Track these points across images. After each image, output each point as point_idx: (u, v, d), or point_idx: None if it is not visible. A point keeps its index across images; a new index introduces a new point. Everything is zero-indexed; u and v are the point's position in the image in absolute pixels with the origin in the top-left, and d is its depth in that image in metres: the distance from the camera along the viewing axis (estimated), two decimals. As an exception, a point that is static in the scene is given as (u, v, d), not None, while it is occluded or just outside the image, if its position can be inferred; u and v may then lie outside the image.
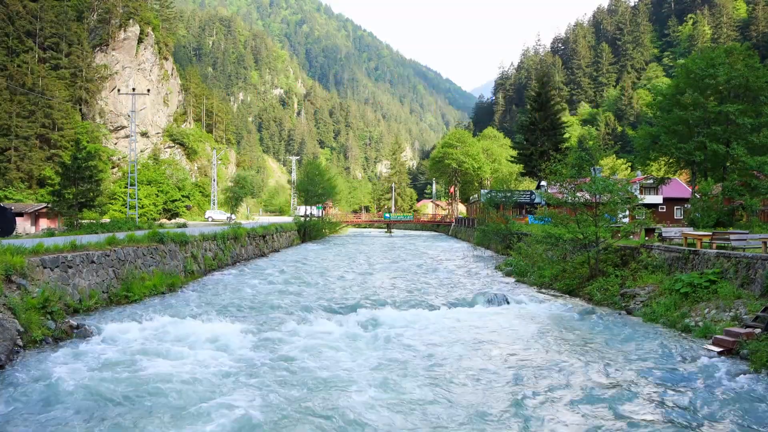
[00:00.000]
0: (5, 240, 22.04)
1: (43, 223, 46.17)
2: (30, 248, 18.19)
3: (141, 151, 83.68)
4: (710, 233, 21.11)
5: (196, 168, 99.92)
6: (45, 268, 17.42)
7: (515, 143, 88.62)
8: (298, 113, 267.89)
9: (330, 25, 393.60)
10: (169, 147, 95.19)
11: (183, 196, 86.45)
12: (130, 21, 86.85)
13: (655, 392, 11.60)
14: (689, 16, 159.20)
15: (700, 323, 16.15)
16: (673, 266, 20.84)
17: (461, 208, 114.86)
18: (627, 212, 29.79)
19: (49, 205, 43.65)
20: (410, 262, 42.26)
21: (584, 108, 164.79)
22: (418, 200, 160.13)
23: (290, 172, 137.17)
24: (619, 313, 19.78)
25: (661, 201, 57.56)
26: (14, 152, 62.43)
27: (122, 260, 22.44)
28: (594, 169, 26.98)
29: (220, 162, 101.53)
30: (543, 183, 60.73)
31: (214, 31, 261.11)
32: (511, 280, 30.41)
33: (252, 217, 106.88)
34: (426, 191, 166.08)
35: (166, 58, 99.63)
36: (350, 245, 63.93)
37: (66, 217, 39.78)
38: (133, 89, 62.56)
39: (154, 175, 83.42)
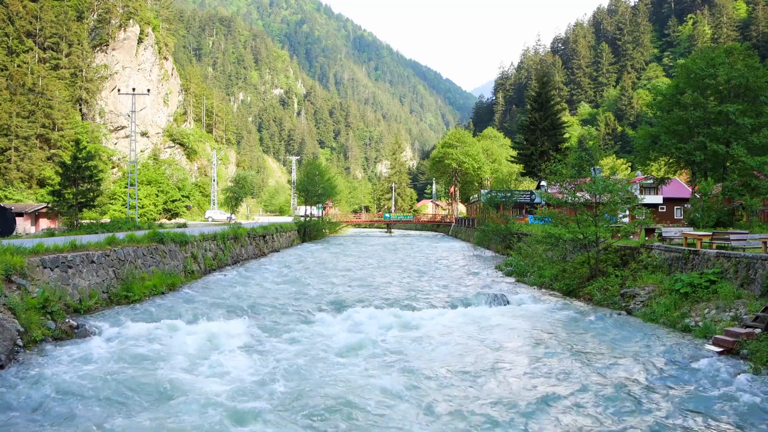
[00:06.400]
0: (5, 240, 22.02)
1: (43, 223, 46.19)
2: (30, 248, 18.17)
3: (141, 151, 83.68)
4: (710, 233, 21.08)
5: (196, 168, 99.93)
6: (45, 268, 17.40)
7: (515, 143, 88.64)
8: (298, 113, 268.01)
9: (330, 25, 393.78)
10: (169, 147, 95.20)
11: (183, 196, 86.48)
12: (130, 21, 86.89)
13: (654, 392, 11.61)
14: (689, 16, 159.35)
15: (700, 323, 16.15)
16: (673, 266, 20.82)
17: (461, 208, 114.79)
18: (627, 212, 29.77)
19: (49, 205, 43.65)
20: (410, 262, 42.25)
21: (584, 108, 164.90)
22: (418, 200, 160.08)
23: (290, 172, 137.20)
24: (619, 313, 19.78)
25: (661, 201, 57.54)
26: (14, 152, 62.49)
27: (122, 260, 22.43)
28: (594, 169, 26.97)
29: (220, 162, 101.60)
30: (543, 183, 60.74)
31: (214, 31, 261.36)
32: (511, 280, 30.39)
33: (252, 217, 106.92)
34: (426, 191, 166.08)
35: (166, 58, 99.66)
36: (350, 245, 63.90)
37: (66, 217, 39.76)
38: (133, 89, 62.51)
39: (154, 175, 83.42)
